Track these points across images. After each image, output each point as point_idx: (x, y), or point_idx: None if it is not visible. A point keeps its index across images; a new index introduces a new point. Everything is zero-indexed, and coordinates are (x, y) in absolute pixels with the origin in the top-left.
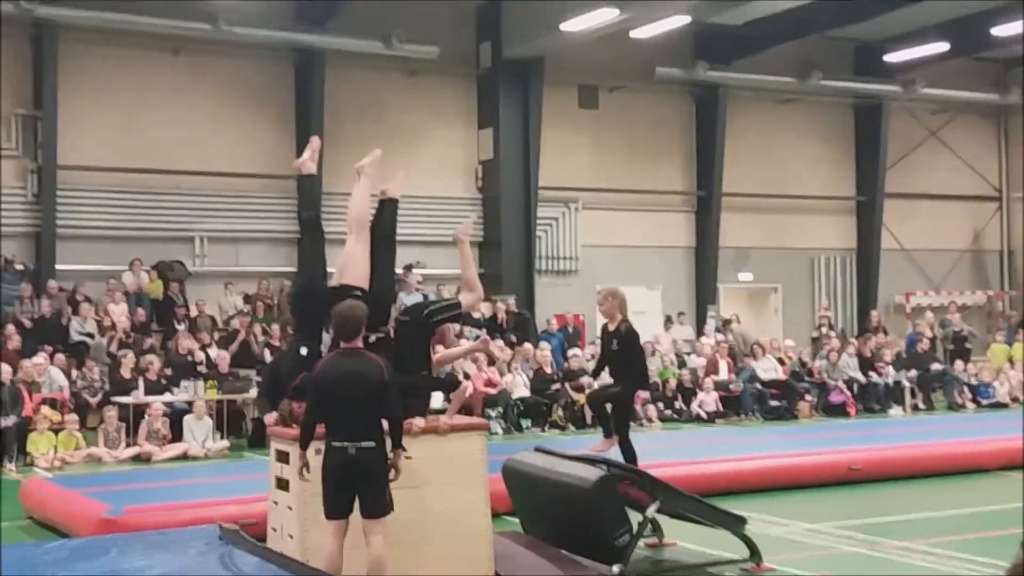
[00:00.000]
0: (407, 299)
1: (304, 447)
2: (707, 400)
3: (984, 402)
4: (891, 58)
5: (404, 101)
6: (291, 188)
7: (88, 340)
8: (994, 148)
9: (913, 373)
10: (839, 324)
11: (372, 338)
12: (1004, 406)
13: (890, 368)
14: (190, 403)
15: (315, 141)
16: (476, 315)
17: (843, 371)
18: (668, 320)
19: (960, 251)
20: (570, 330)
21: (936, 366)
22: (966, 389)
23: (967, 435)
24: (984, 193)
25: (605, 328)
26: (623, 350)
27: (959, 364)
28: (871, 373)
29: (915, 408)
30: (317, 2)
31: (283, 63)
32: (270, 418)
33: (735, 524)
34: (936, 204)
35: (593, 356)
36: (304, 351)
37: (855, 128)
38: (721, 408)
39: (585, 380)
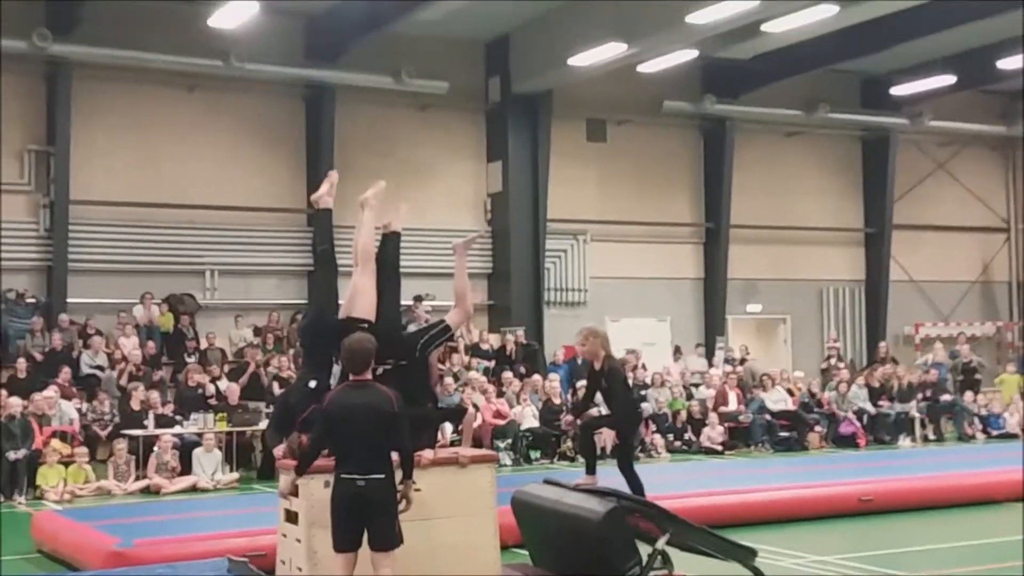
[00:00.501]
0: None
1: (299, 473)
2: (716, 432)
3: (994, 433)
4: (898, 91)
5: (414, 135)
6: (301, 222)
7: (99, 373)
8: (1002, 180)
9: (923, 404)
10: (848, 355)
11: (380, 370)
12: (1014, 437)
13: (896, 402)
14: (200, 435)
15: (333, 175)
16: (485, 346)
17: (852, 402)
18: (677, 351)
19: (969, 282)
20: (578, 361)
21: (946, 397)
22: (976, 420)
23: (977, 466)
24: (992, 224)
25: (591, 367)
26: (612, 387)
27: (969, 395)
28: (881, 403)
29: (925, 439)
30: (327, 38)
31: (294, 98)
32: (279, 450)
33: (745, 556)
34: (944, 235)
35: (574, 393)
36: (313, 384)
37: (862, 160)
38: (730, 439)
39: (567, 419)
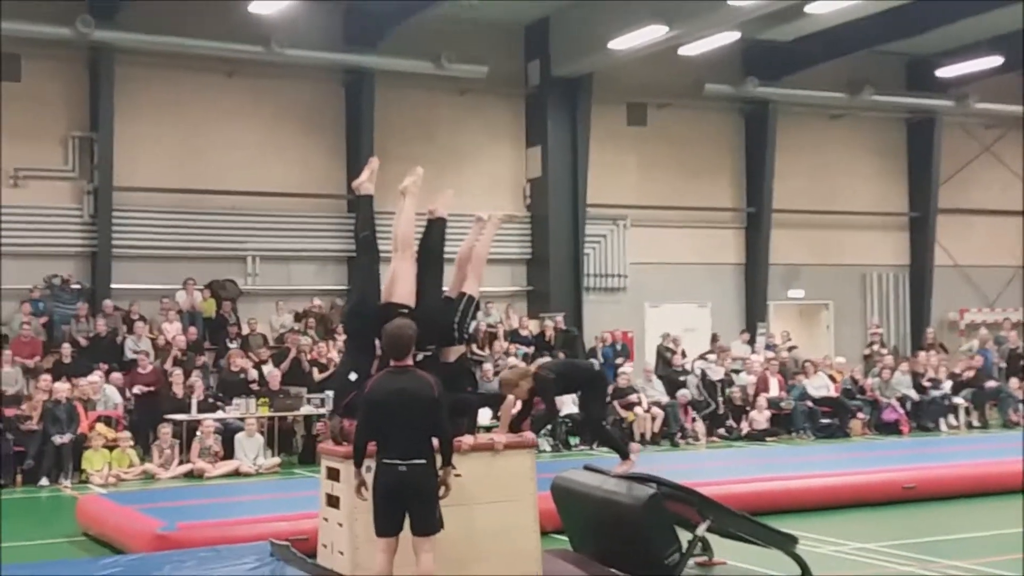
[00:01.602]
0: None
1: (358, 465)
2: (758, 418)
3: None
4: (943, 73)
5: (453, 120)
6: (342, 208)
7: (143, 359)
8: None
9: (967, 391)
10: (891, 341)
11: (420, 356)
12: None
13: (946, 384)
14: (242, 420)
15: (374, 161)
16: (524, 332)
17: (896, 388)
18: (714, 339)
19: (1015, 267)
20: (618, 347)
21: (991, 383)
22: (1021, 407)
23: (1022, 454)
24: None
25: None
26: (546, 395)
27: (1014, 381)
28: (926, 389)
29: (969, 426)
30: (367, 23)
31: (334, 84)
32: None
33: (786, 543)
34: (990, 220)
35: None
36: (354, 377)
37: (907, 143)
38: (772, 426)
39: (529, 436)
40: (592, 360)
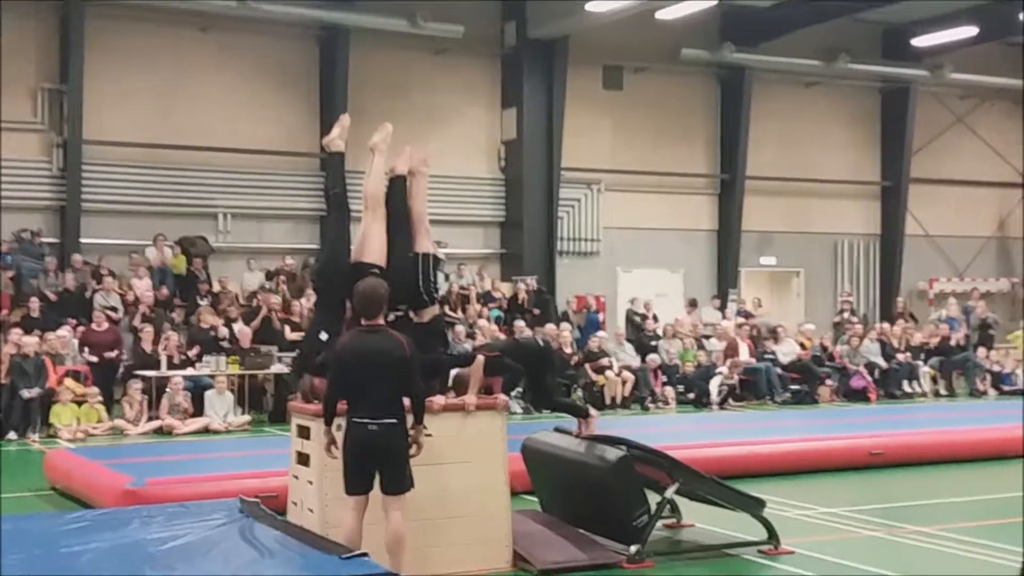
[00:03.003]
0: None
1: (328, 423)
2: (730, 382)
3: (1006, 389)
4: (919, 42)
5: (429, 80)
6: (315, 166)
7: (111, 313)
8: (1021, 134)
9: (934, 359)
10: (861, 309)
11: (391, 316)
12: None
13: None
14: (212, 377)
15: (345, 119)
16: (497, 295)
17: (864, 356)
18: (692, 303)
19: (985, 238)
20: (591, 311)
21: (958, 353)
22: (988, 376)
23: (988, 422)
24: (1010, 180)
25: None
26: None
27: (981, 351)
28: (895, 357)
29: (936, 394)
30: None
31: (308, 41)
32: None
33: (754, 506)
34: (961, 190)
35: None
36: (324, 336)
37: (881, 112)
38: (740, 391)
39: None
40: (537, 337)
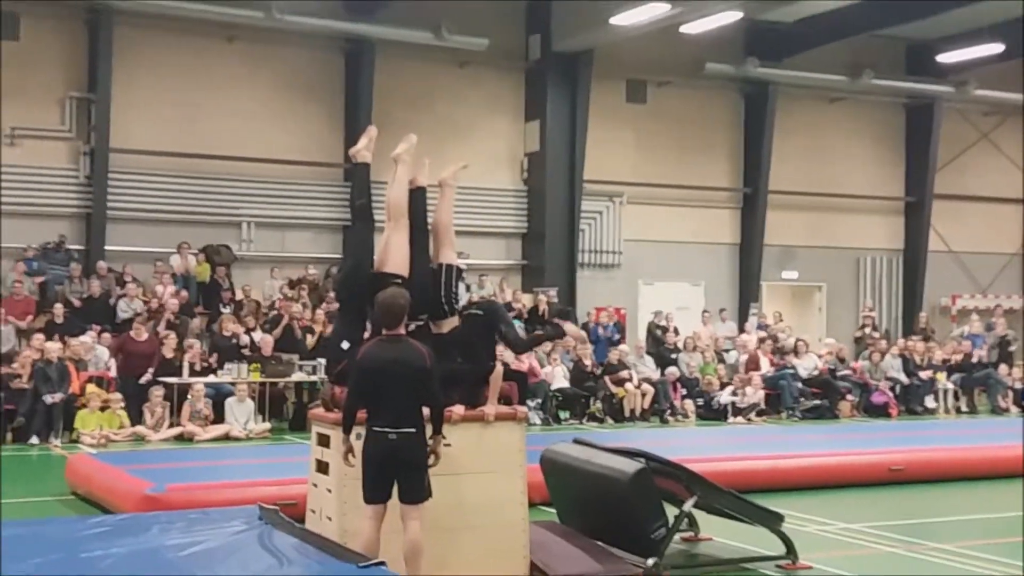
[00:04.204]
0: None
1: (347, 432)
2: (749, 397)
3: None
4: (944, 58)
5: (453, 92)
6: (338, 176)
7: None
8: None
9: (956, 375)
10: (883, 325)
11: (412, 326)
12: None
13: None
14: (233, 385)
15: (372, 130)
16: (517, 306)
17: (885, 371)
18: (707, 313)
19: (1008, 255)
20: (611, 324)
21: (980, 369)
22: (1010, 392)
23: (1010, 439)
24: None
25: None
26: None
27: (1003, 368)
28: (919, 373)
29: (958, 411)
30: None
31: (334, 52)
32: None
33: (772, 521)
34: (985, 207)
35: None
36: (346, 346)
37: (906, 128)
38: (762, 405)
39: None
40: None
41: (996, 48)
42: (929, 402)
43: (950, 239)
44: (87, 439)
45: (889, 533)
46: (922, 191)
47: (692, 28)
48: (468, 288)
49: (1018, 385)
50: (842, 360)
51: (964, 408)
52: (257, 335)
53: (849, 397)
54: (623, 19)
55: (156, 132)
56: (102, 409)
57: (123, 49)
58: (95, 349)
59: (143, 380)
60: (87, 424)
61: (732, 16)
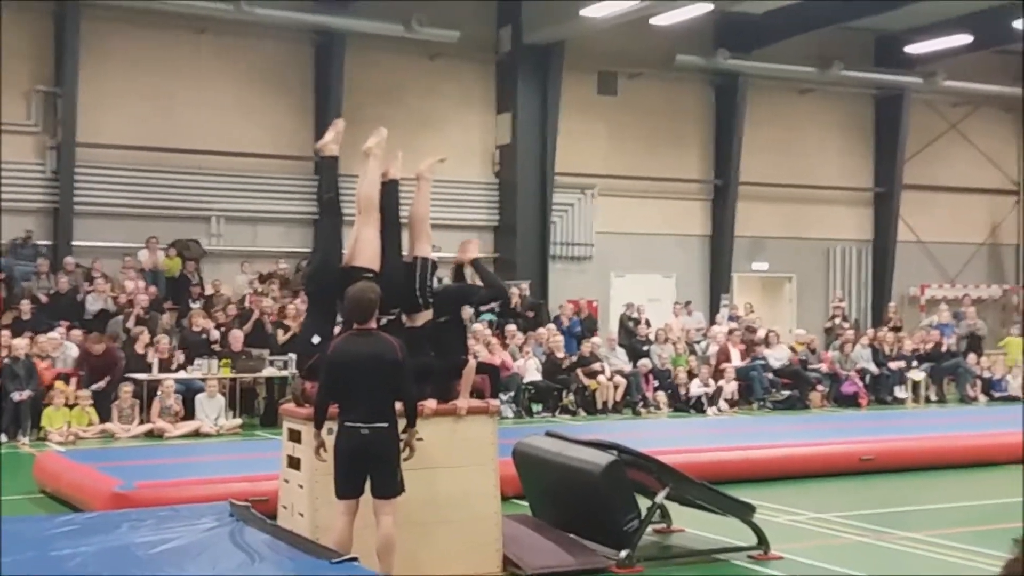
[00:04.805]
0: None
1: (318, 427)
2: (725, 387)
3: (996, 395)
4: (912, 49)
5: (424, 85)
6: (309, 169)
7: (105, 315)
8: (1014, 142)
9: (925, 365)
10: (853, 315)
11: (383, 320)
12: (1017, 400)
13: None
14: (203, 381)
15: (339, 123)
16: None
17: (855, 362)
18: (685, 305)
19: (977, 244)
20: (583, 316)
21: (949, 359)
22: (979, 382)
23: (979, 428)
24: (1003, 187)
25: None
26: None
27: (972, 357)
28: (888, 364)
29: (927, 400)
30: None
31: (303, 44)
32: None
33: (743, 512)
34: (954, 197)
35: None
36: (316, 340)
37: (875, 119)
38: (735, 396)
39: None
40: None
41: (964, 39)
42: (899, 392)
43: (919, 229)
44: (55, 436)
45: (859, 522)
46: (891, 182)
47: (662, 20)
48: (440, 281)
49: (987, 374)
50: (813, 351)
51: (933, 397)
52: (227, 330)
53: (819, 387)
54: (594, 11)
55: (124, 126)
56: (70, 406)
57: (90, 42)
58: (63, 345)
59: (97, 386)
60: (54, 422)
61: (702, 8)
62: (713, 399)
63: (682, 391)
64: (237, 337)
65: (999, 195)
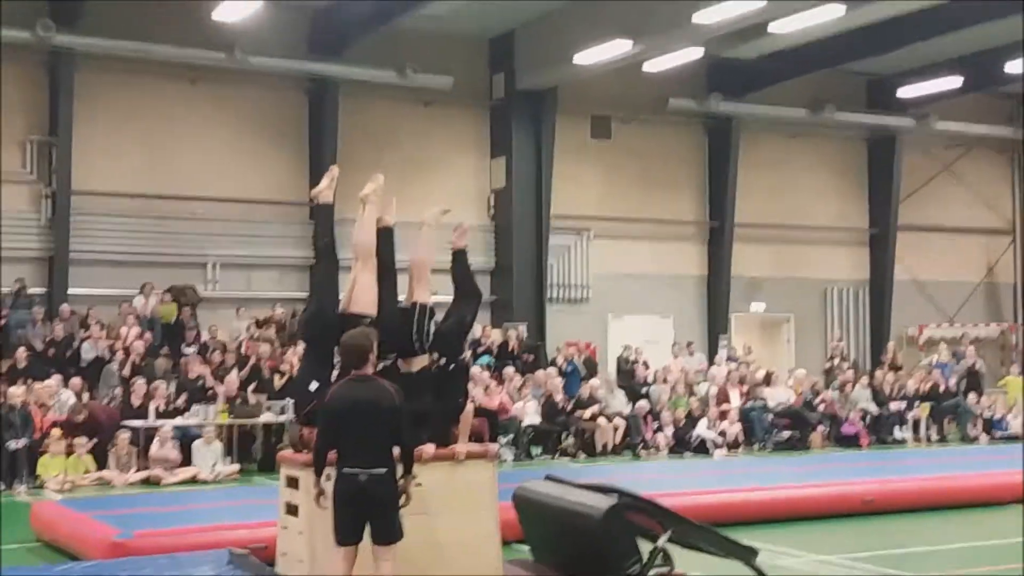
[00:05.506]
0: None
1: (318, 474)
2: (722, 429)
3: (998, 435)
4: (904, 92)
5: (418, 130)
6: (303, 215)
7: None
8: (1007, 182)
9: (926, 404)
10: (852, 355)
11: (380, 365)
12: (1018, 439)
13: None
14: (200, 427)
15: (334, 170)
16: (486, 342)
17: (855, 402)
18: (676, 346)
19: (973, 284)
20: (583, 358)
21: (949, 398)
22: (979, 421)
23: (980, 468)
24: (997, 227)
25: None
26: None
27: (972, 397)
28: (888, 404)
29: (928, 440)
30: (332, 32)
31: (297, 92)
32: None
33: (746, 555)
34: (949, 237)
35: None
36: (314, 386)
37: (868, 161)
38: (738, 437)
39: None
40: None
41: (955, 81)
42: (899, 432)
43: (915, 269)
44: (52, 485)
45: (863, 564)
46: (886, 223)
47: (655, 65)
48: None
49: (987, 414)
50: (816, 393)
51: (934, 437)
52: (224, 376)
53: (820, 428)
54: (586, 57)
55: (119, 174)
56: (67, 454)
57: (85, 92)
58: (60, 393)
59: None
60: (50, 470)
61: (694, 53)
62: (718, 442)
63: (683, 433)
64: (233, 383)
65: (994, 235)
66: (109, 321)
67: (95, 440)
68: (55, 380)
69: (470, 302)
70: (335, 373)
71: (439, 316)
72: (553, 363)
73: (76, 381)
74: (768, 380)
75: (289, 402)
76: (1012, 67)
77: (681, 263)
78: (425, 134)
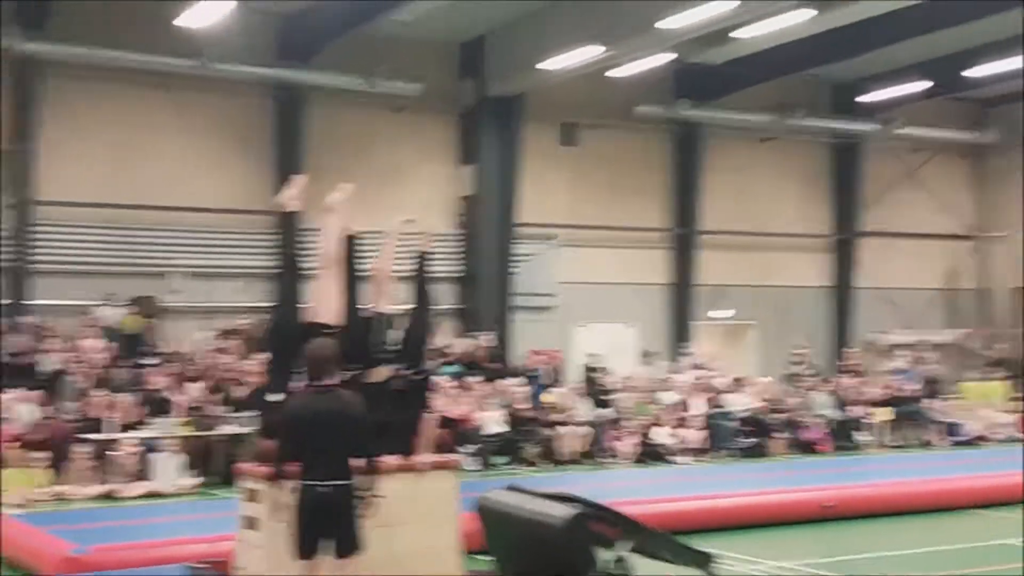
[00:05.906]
0: None
1: (279, 485)
2: (693, 436)
3: (956, 440)
4: (869, 98)
5: (387, 137)
6: (268, 224)
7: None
8: (970, 187)
9: (886, 410)
10: (815, 361)
11: (348, 375)
12: (976, 444)
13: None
14: (161, 439)
15: (299, 179)
16: (452, 351)
17: (816, 408)
18: (645, 354)
19: (935, 289)
20: (551, 366)
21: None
22: (939, 427)
23: (939, 473)
24: (960, 232)
25: None
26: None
27: (931, 402)
28: (847, 410)
29: (888, 445)
30: (300, 39)
31: (265, 99)
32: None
33: (702, 561)
34: (912, 242)
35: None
36: (276, 397)
37: (833, 167)
38: (699, 444)
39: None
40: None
41: (921, 86)
42: (859, 437)
43: (879, 275)
44: (8, 499)
45: (821, 571)
46: (850, 228)
47: (622, 71)
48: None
49: (946, 419)
50: (777, 400)
51: (894, 442)
52: (186, 387)
53: (781, 434)
54: (555, 63)
55: (85, 183)
56: (26, 468)
57: (52, 100)
58: (17, 408)
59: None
60: (9, 484)
61: (662, 59)
62: (680, 448)
63: (647, 441)
64: (194, 393)
65: (956, 240)
66: (71, 332)
67: (53, 454)
68: (13, 394)
69: (430, 311)
70: (299, 384)
71: (401, 324)
72: (517, 372)
73: (34, 394)
74: (739, 384)
75: (252, 414)
76: (975, 72)
77: (646, 271)
78: (394, 141)
